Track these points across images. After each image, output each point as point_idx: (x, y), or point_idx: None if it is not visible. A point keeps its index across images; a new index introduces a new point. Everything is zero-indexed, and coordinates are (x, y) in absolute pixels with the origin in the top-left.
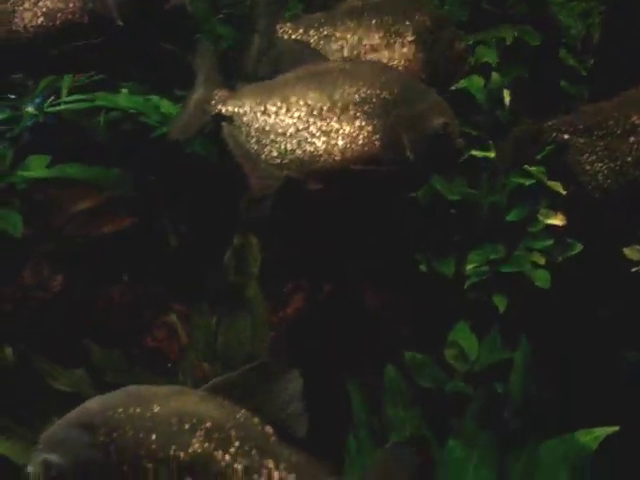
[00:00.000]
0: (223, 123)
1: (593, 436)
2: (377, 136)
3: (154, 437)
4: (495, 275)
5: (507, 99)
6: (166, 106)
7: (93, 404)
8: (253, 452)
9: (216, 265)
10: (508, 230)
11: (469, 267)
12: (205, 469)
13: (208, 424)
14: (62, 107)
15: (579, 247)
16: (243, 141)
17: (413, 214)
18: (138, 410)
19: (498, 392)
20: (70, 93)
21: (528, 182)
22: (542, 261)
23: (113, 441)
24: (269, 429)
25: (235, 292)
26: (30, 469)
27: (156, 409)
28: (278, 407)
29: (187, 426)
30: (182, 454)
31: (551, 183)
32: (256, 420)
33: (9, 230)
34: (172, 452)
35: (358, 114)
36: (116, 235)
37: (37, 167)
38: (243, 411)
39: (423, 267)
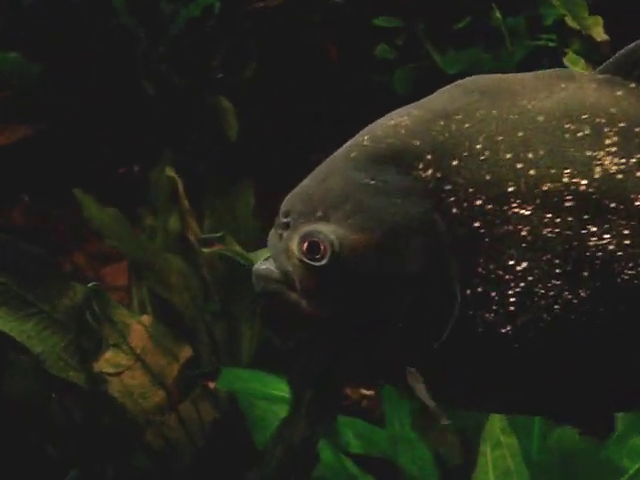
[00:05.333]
0: None
1: None
2: None
3: (530, 155)
4: None
5: None
6: None
7: (400, 117)
8: None
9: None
10: None
11: None
12: (618, 200)
13: (621, 124)
14: None
15: None
16: None
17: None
18: (494, 112)
19: None
20: None
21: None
22: None
23: (447, 177)
24: None
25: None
26: (259, 269)
27: (528, 105)
28: None
29: (587, 130)
30: (584, 181)
31: None
32: None
33: None
34: (567, 179)
35: None
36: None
37: None
38: None
39: None
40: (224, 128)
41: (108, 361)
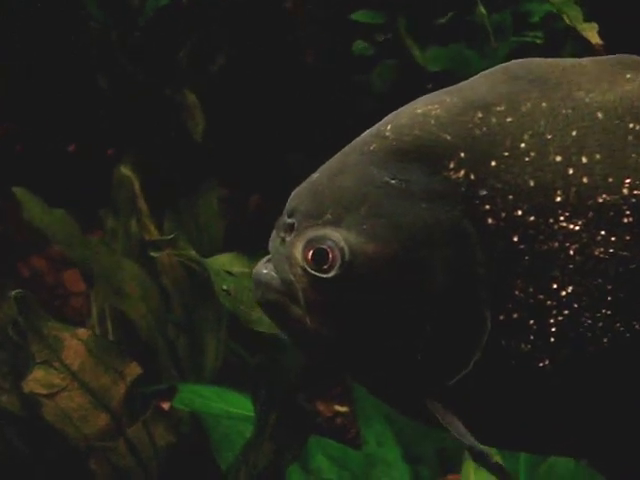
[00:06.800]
0: None
1: None
2: None
3: (584, 159)
4: None
5: None
6: None
7: (430, 105)
8: None
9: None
10: None
11: None
12: None
13: None
14: None
15: None
16: None
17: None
18: (543, 104)
19: None
20: None
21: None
22: None
23: (482, 180)
24: None
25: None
26: (259, 273)
27: (585, 98)
28: None
29: None
30: None
31: None
32: None
33: None
34: (627, 190)
35: None
36: None
37: None
38: None
39: None
40: (189, 125)
41: (38, 381)
